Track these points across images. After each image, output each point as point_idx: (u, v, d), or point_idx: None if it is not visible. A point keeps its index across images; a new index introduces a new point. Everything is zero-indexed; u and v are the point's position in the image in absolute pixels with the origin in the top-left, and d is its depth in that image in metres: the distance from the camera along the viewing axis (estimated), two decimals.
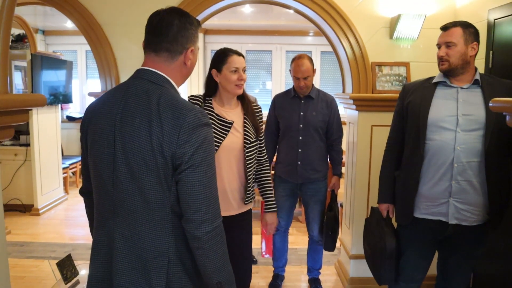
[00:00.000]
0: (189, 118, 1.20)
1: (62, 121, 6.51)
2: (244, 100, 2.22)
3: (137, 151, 1.21)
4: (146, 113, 1.22)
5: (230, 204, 2.14)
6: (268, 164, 2.36)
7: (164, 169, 1.21)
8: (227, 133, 2.09)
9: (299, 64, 2.90)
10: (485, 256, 2.64)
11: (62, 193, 5.65)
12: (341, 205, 3.93)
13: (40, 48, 6.67)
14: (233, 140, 2.11)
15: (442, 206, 2.05)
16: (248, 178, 2.16)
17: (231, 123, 2.11)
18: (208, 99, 2.17)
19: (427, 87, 2.14)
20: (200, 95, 2.18)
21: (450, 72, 2.07)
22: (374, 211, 2.40)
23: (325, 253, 3.28)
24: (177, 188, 1.23)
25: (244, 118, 2.18)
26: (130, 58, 3.07)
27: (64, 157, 6.00)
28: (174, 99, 1.25)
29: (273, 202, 2.34)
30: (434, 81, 2.14)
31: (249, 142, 2.15)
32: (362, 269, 3.16)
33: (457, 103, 2.04)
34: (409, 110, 2.17)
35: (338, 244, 3.37)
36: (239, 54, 2.12)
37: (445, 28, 2.09)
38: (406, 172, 2.18)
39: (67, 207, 5.46)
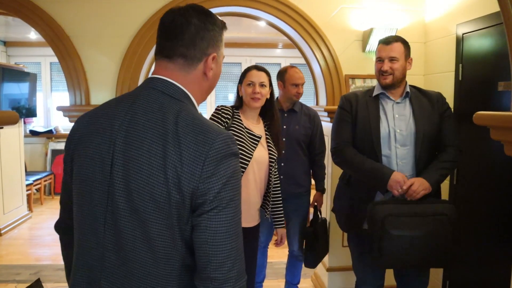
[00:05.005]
0: (217, 145, 0.93)
1: (25, 136, 6.22)
2: (273, 117, 2.27)
3: (145, 182, 0.93)
4: (160, 134, 0.94)
5: (252, 215, 2.19)
6: (279, 181, 2.46)
7: (179, 209, 0.93)
8: (255, 146, 2.13)
9: (296, 71, 2.90)
10: (459, 264, 2.69)
11: (25, 211, 5.39)
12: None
13: (1, 59, 6.41)
14: (261, 154, 2.17)
15: None
16: (268, 190, 2.24)
17: (260, 137, 2.17)
18: (236, 111, 2.22)
19: (371, 101, 2.17)
20: (230, 106, 2.23)
21: (392, 86, 2.13)
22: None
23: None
24: (193, 236, 0.95)
25: (266, 134, 2.25)
26: (100, 71, 2.95)
27: (28, 173, 5.75)
28: (197, 118, 0.98)
29: (283, 217, 2.44)
30: (374, 94, 2.18)
31: (274, 157, 2.22)
32: (339, 282, 3.15)
33: (394, 119, 2.12)
34: (359, 123, 2.16)
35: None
36: (260, 69, 2.21)
37: (387, 42, 2.13)
38: (362, 184, 2.16)
39: (31, 226, 5.20)
